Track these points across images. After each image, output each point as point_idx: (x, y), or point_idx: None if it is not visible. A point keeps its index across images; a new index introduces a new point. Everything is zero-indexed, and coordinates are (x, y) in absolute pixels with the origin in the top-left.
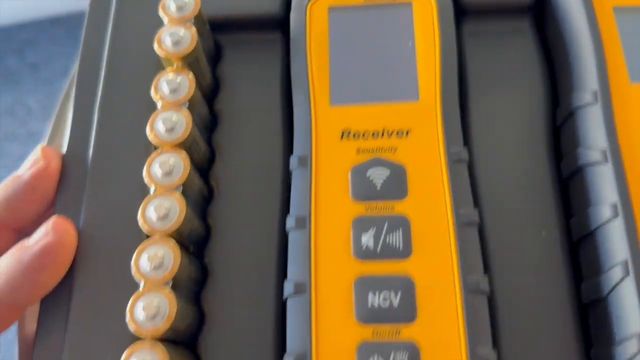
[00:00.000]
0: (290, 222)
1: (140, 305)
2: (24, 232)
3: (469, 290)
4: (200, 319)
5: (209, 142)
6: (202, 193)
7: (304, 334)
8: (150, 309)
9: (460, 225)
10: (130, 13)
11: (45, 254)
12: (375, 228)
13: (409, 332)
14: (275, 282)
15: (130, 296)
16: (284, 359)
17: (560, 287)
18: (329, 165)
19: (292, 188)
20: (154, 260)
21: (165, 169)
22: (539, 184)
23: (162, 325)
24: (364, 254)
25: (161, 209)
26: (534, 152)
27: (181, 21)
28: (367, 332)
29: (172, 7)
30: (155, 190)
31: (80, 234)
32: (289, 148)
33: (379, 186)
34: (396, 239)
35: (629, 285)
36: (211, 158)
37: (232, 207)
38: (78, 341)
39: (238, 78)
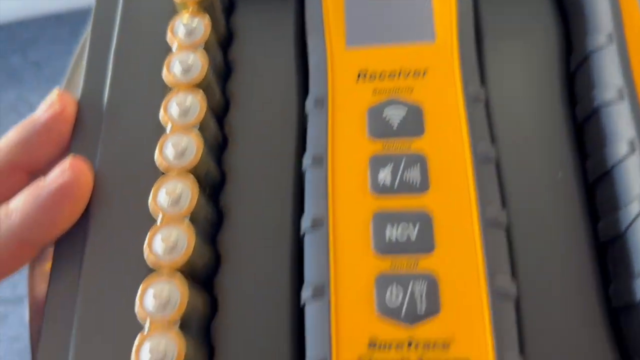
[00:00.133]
0: (307, 160)
1: (158, 238)
2: (37, 176)
3: (487, 222)
4: (216, 261)
5: (223, 92)
6: (217, 138)
7: (322, 266)
8: (168, 241)
9: (478, 160)
10: None
11: (62, 191)
12: (392, 165)
13: (427, 263)
14: (291, 220)
15: (147, 233)
16: (302, 290)
17: (577, 229)
18: (345, 105)
19: (308, 129)
20: (172, 195)
21: (182, 108)
22: (554, 128)
23: (180, 257)
24: (381, 190)
25: (178, 145)
26: (549, 97)
27: None
28: (385, 264)
29: None
30: (172, 129)
31: (96, 174)
32: (303, 95)
33: (395, 125)
34: (413, 175)
35: None
36: (225, 107)
37: (246, 152)
38: (94, 275)
39: (251, 28)
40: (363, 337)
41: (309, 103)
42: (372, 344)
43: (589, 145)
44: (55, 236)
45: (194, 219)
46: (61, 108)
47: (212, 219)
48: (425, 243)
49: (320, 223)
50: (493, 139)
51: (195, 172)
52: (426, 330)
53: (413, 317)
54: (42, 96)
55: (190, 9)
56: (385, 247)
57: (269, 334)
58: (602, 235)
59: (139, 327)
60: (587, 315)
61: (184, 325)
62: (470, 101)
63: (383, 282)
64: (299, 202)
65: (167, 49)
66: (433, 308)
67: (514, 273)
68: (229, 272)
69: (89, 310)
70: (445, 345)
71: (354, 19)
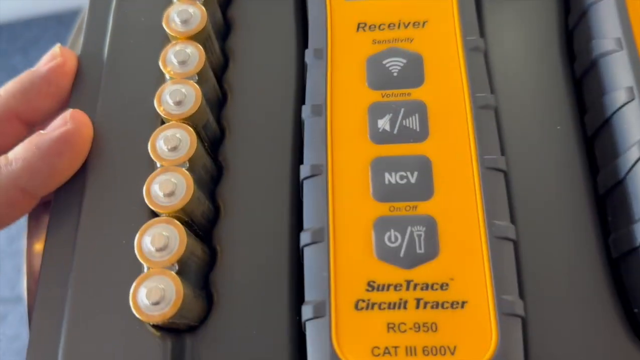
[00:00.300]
0: (306, 110)
1: (157, 183)
2: (35, 131)
3: (486, 167)
4: (215, 213)
5: (223, 51)
6: (216, 92)
7: (321, 210)
8: (167, 187)
9: (478, 108)
10: None
11: (64, 140)
12: (391, 113)
13: (426, 208)
14: (290, 171)
15: (145, 181)
16: (301, 235)
17: (576, 176)
18: (344, 55)
19: (307, 80)
20: (171, 142)
21: (181, 57)
22: (553, 81)
23: (179, 202)
24: (380, 138)
25: (178, 93)
26: (548, 51)
27: None
28: (383, 209)
29: None
30: (171, 78)
31: (94, 128)
32: (302, 49)
33: (395, 74)
34: (413, 122)
35: None
36: (225, 65)
37: (246, 105)
38: (92, 225)
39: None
40: (361, 279)
41: (308, 55)
42: (371, 286)
43: (587, 98)
44: (55, 186)
45: (192, 167)
46: (62, 61)
47: (211, 171)
48: (424, 189)
49: (319, 170)
50: (492, 90)
51: (194, 121)
52: (424, 273)
53: (411, 260)
54: None
55: None
56: (384, 193)
57: (268, 280)
58: (601, 186)
59: (138, 275)
60: (586, 261)
61: (183, 271)
62: (470, 50)
63: (382, 225)
64: (299, 153)
65: (167, 3)
66: (432, 251)
67: (513, 220)
68: (228, 223)
69: (86, 262)
70: (444, 287)
71: None
